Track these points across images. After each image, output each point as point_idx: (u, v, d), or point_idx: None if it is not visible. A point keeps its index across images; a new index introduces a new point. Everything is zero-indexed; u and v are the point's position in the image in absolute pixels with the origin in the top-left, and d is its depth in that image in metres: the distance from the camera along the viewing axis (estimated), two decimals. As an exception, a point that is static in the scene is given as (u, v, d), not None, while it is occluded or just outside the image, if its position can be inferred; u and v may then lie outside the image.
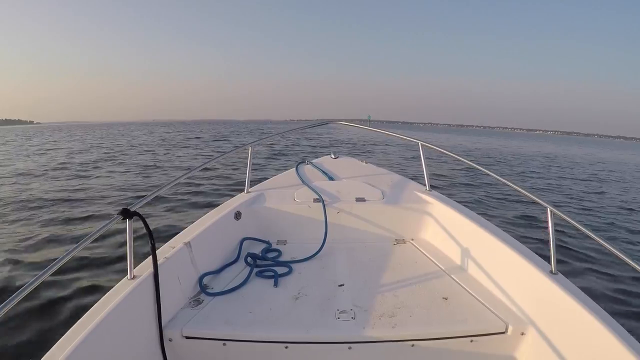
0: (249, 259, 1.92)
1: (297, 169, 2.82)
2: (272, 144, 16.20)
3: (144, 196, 1.62)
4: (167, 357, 1.35)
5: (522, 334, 1.39)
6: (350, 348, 1.37)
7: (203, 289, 1.66)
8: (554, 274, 1.45)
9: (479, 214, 2.12)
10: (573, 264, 3.72)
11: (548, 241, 1.49)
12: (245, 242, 2.11)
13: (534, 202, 1.67)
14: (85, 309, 1.21)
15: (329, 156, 3.12)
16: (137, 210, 1.38)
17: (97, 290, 2.93)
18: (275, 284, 1.72)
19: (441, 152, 2.37)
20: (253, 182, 2.59)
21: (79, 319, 1.16)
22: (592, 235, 1.35)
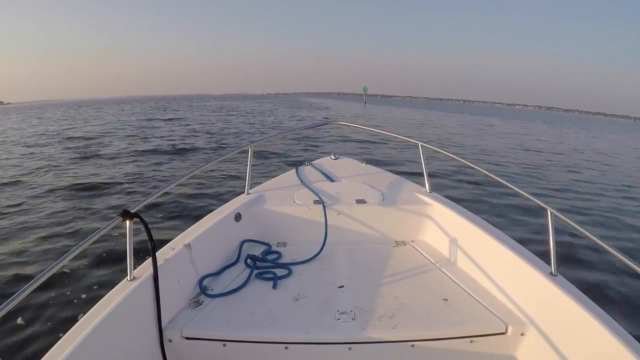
0: (248, 260, 1.92)
1: (297, 171, 2.82)
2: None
3: (144, 198, 1.63)
4: (167, 358, 1.36)
5: (522, 334, 1.40)
6: (350, 349, 1.37)
7: (203, 290, 1.66)
8: (554, 275, 1.46)
9: (478, 215, 2.12)
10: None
11: (548, 243, 1.50)
12: (245, 244, 2.11)
13: (534, 204, 1.67)
14: (84, 310, 1.21)
15: (329, 157, 3.13)
16: (137, 212, 1.38)
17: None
18: (275, 286, 1.72)
19: (442, 153, 2.38)
20: (253, 183, 2.59)
21: (78, 320, 1.16)
22: (592, 237, 1.35)
